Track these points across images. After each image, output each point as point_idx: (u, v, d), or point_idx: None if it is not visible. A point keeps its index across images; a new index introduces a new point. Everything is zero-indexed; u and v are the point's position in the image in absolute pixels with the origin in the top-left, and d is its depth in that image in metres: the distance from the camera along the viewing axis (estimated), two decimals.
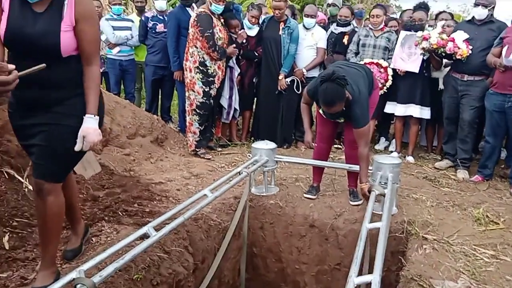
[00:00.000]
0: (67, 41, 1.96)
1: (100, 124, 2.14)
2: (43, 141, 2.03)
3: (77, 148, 2.02)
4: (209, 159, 4.63)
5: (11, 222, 2.70)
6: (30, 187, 2.95)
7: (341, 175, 4.07)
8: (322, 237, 3.49)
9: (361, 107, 3.07)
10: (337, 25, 5.29)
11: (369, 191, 3.13)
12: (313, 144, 3.64)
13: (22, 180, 2.97)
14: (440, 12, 5.45)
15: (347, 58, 4.92)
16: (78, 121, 2.02)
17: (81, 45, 2.00)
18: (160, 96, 5.86)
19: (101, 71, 5.82)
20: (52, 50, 1.94)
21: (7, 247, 2.49)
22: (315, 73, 4.95)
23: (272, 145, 3.73)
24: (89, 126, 2.02)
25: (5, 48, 1.98)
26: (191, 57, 4.48)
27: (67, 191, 2.24)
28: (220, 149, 5.03)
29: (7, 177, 2.93)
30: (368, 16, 5.59)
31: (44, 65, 1.68)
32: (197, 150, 4.69)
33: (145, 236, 2.22)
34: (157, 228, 2.23)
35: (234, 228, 3.30)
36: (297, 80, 5.01)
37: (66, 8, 1.96)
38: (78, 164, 3.58)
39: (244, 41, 4.93)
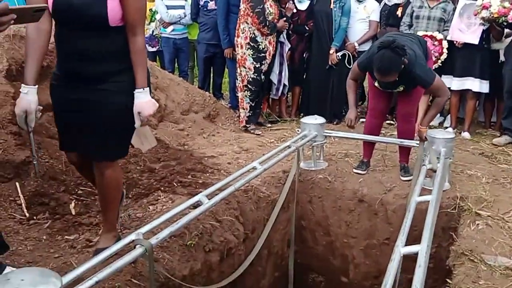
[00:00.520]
0: (114, 10, 1.90)
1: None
2: (94, 119, 2.00)
3: (136, 125, 2.02)
4: (259, 134, 4.71)
5: (76, 190, 2.93)
6: None
7: (392, 150, 4.01)
8: (371, 211, 3.49)
9: (422, 67, 3.02)
10: None
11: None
12: (355, 123, 3.48)
13: None
14: None
15: (400, 31, 4.76)
16: (127, 97, 2.00)
17: (126, 14, 1.93)
18: (212, 74, 5.97)
19: (155, 49, 6.10)
20: (99, 19, 1.89)
21: (73, 213, 2.71)
22: (367, 47, 4.83)
23: (321, 119, 3.73)
24: (142, 100, 2.00)
25: (53, 20, 1.96)
26: (242, 33, 4.53)
27: (111, 184, 2.18)
28: (269, 125, 5.09)
29: None
30: None
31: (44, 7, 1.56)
32: (248, 125, 4.78)
33: (198, 204, 2.33)
34: (209, 197, 2.34)
35: (283, 200, 3.38)
36: (348, 54, 4.94)
37: None
38: (135, 138, 3.81)
39: (294, 14, 4.90)
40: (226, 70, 5.80)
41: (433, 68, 4.56)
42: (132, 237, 1.88)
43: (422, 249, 1.82)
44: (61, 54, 2.02)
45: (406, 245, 1.93)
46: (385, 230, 3.49)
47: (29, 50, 1.92)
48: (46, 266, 2.13)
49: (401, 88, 3.23)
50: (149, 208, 2.82)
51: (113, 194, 2.22)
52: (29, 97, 1.90)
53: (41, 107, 1.97)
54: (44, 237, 2.45)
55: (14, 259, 2.20)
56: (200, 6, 5.48)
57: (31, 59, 1.91)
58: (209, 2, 5.42)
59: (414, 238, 2.34)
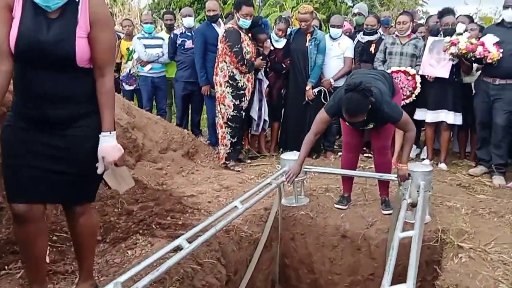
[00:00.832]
0: (82, 49, 1.80)
1: None
2: (64, 167, 1.89)
3: (99, 171, 1.91)
4: (239, 171, 4.69)
5: (51, 236, 2.81)
6: None
7: (372, 184, 4.04)
8: (355, 247, 3.46)
9: (388, 104, 3.07)
10: (363, 34, 5.29)
11: (408, 176, 3.18)
12: (293, 180, 3.36)
13: None
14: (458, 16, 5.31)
15: (374, 67, 4.90)
16: (97, 142, 1.92)
17: (94, 54, 1.84)
18: (190, 111, 5.97)
19: (132, 88, 6.08)
20: (66, 58, 1.78)
21: (47, 261, 2.58)
22: (342, 82, 4.95)
23: None
24: (107, 144, 1.90)
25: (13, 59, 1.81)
26: (221, 71, 4.58)
27: (86, 231, 2.11)
28: (249, 161, 5.08)
29: None
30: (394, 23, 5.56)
31: None
32: (227, 162, 4.75)
33: (178, 248, 2.27)
34: (190, 240, 2.27)
35: (265, 239, 3.33)
36: (324, 90, 5.03)
37: (80, 12, 1.80)
38: (112, 179, 3.74)
39: (271, 52, 5.00)
40: (204, 107, 5.82)
41: (408, 102, 4.71)
42: (110, 287, 1.80)
43: None
44: (22, 96, 1.84)
45: (391, 283, 1.91)
46: (369, 266, 3.46)
47: None
48: None
49: (371, 126, 3.28)
50: (127, 253, 2.73)
51: (89, 242, 2.15)
52: None
53: None
54: None
55: None
56: (177, 45, 5.53)
57: None
58: (186, 41, 5.48)
59: (398, 273, 2.31)
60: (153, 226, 3.06)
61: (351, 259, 3.51)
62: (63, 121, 1.86)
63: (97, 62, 1.86)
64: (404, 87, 4.68)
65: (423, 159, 5.01)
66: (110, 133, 1.91)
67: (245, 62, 4.49)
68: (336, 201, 3.72)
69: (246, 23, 4.50)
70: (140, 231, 2.98)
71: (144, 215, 3.21)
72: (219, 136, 4.78)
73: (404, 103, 4.69)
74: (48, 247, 2.69)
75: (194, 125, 5.99)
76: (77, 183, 1.94)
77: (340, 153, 4.85)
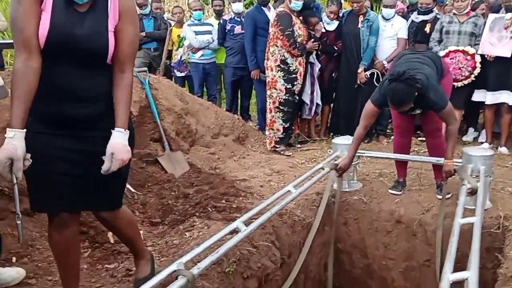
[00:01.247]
0: (112, 43, 1.71)
1: (132, 143, 1.81)
2: (88, 171, 1.76)
3: (104, 168, 1.70)
4: (289, 155, 4.70)
5: None
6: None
7: (427, 168, 3.92)
8: (410, 233, 3.40)
9: (434, 91, 2.95)
10: (418, 14, 5.09)
11: (454, 172, 3.08)
12: (344, 172, 3.39)
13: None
14: None
15: (430, 47, 4.71)
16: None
17: (118, 47, 1.72)
18: (239, 96, 6.03)
19: (183, 74, 6.22)
20: (99, 53, 1.69)
21: (112, 241, 2.74)
22: None
23: None
24: (118, 141, 1.72)
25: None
26: (272, 56, 4.59)
27: (123, 224, 2.02)
28: (299, 145, 5.07)
29: None
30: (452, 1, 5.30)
31: None
32: (277, 147, 4.78)
33: (235, 231, 2.33)
34: (246, 223, 2.33)
35: (318, 224, 3.33)
36: (377, 72, 4.91)
37: (110, 4, 1.70)
38: (168, 164, 3.86)
39: (323, 35, 4.94)
40: (253, 92, 5.85)
41: (466, 82, 4.51)
42: (173, 267, 1.88)
43: (472, 276, 1.75)
44: (44, 94, 1.67)
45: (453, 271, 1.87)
46: (425, 252, 3.39)
47: (17, 90, 1.59)
48: None
49: (418, 111, 3.17)
50: (185, 234, 2.83)
51: (131, 231, 2.10)
52: (16, 142, 1.56)
53: (29, 154, 1.61)
54: (85, 266, 2.47)
55: None
56: (226, 30, 5.56)
57: (18, 99, 1.59)
58: (235, 27, 5.50)
59: (457, 259, 2.26)
60: (209, 209, 3.15)
61: (405, 244, 3.46)
62: (86, 121, 1.75)
63: (119, 56, 1.74)
64: (463, 67, 4.47)
65: (482, 142, 4.80)
66: (125, 130, 1.75)
67: (297, 45, 4.48)
68: (390, 186, 3.65)
69: (297, 5, 4.48)
70: (197, 214, 3.08)
71: (199, 198, 3.31)
72: (268, 121, 4.79)
73: (463, 84, 4.51)
74: None
75: (244, 110, 6.04)
76: (102, 188, 1.81)
77: (393, 137, 4.76)
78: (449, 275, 1.78)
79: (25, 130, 1.60)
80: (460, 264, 2.14)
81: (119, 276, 2.38)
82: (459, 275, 1.80)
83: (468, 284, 1.74)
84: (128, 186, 3.20)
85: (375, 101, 3.13)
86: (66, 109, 1.70)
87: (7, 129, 1.59)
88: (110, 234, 2.80)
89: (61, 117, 1.71)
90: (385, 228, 3.51)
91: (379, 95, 3.08)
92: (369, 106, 3.19)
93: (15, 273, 2.28)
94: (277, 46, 4.54)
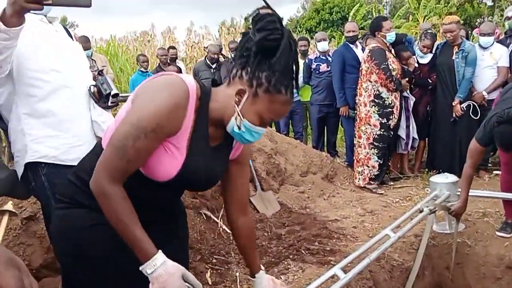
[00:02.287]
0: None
1: None
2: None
3: None
4: (381, 194, 4.55)
5: (211, 259, 3.06)
6: (225, 227, 3.32)
7: None
8: None
9: None
10: None
11: None
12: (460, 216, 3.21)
13: (217, 221, 3.35)
14: None
15: None
16: None
17: (242, 188, 1.61)
18: (325, 132, 6.02)
19: None
20: (214, 184, 1.55)
21: (210, 283, 2.82)
22: (496, 94, 4.52)
23: (453, 177, 3.47)
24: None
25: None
26: (365, 91, 4.60)
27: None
28: (391, 182, 4.90)
29: (205, 218, 3.35)
30: None
31: None
32: (372, 183, 4.67)
33: (332, 277, 2.28)
34: (344, 269, 2.27)
35: (418, 268, 3.15)
36: (473, 104, 4.65)
37: (235, 145, 1.51)
38: (260, 203, 3.93)
39: (416, 68, 4.87)
40: (340, 128, 5.81)
41: None
42: None
43: None
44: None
45: None
46: None
47: (125, 214, 1.25)
48: None
49: None
50: (280, 277, 2.82)
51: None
52: (169, 265, 1.25)
53: None
54: None
55: None
56: (312, 69, 5.65)
57: (135, 224, 1.26)
58: (321, 65, 5.57)
59: None
60: (302, 252, 3.13)
61: None
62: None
63: (243, 198, 1.63)
64: None
65: None
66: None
67: (393, 79, 4.46)
68: (497, 228, 3.37)
69: (391, 35, 4.52)
70: (291, 256, 3.07)
71: (292, 239, 3.30)
72: (363, 157, 4.72)
73: None
74: (209, 269, 2.95)
75: (330, 146, 6.01)
76: None
77: (495, 172, 4.43)
78: None
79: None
80: None
81: None
82: None
83: None
84: (224, 226, 3.30)
85: (480, 140, 2.94)
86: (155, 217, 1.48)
87: (148, 264, 1.23)
88: (208, 275, 2.89)
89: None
90: (493, 275, 3.22)
91: (484, 133, 2.89)
92: (474, 145, 3.00)
93: None
94: (371, 82, 4.56)
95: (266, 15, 1.25)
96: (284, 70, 1.26)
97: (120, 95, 2.26)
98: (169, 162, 1.31)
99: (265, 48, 1.25)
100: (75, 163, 1.53)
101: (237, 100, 1.30)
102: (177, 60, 7.53)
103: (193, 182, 1.40)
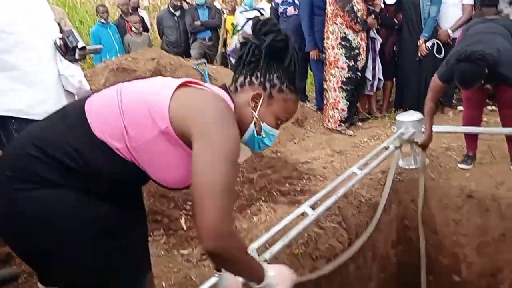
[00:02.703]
0: None
1: None
2: None
3: None
4: (350, 135, 4.65)
5: (184, 205, 3.12)
6: None
7: (499, 139, 3.74)
8: (482, 208, 3.29)
9: (507, 65, 2.75)
10: None
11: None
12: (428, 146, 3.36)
13: None
14: None
15: (500, 10, 4.40)
16: None
17: None
18: None
19: None
20: None
21: (184, 228, 2.90)
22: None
23: (418, 115, 3.57)
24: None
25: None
26: (332, 34, 4.57)
27: None
28: (360, 123, 5.00)
29: None
30: None
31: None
32: (342, 125, 4.76)
33: (302, 215, 2.38)
34: (313, 207, 2.37)
35: (384, 203, 3.30)
36: (437, 43, 4.70)
37: None
38: None
39: (382, 9, 4.85)
40: (310, 72, 5.80)
41: None
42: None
43: None
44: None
45: None
46: (500, 226, 3.27)
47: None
48: (168, 281, 2.31)
49: (489, 86, 2.98)
50: (253, 218, 2.92)
51: None
52: None
53: None
54: (162, 252, 2.64)
55: None
56: (279, 13, 5.54)
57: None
58: (288, 8, 5.45)
59: None
60: (274, 193, 3.22)
61: (478, 220, 3.35)
62: None
63: None
64: None
65: None
66: None
67: (358, 20, 4.43)
68: (459, 160, 3.53)
69: None
70: (262, 198, 3.16)
71: (264, 182, 3.38)
72: (333, 101, 4.76)
73: None
74: (183, 216, 3.01)
75: (300, 91, 6.01)
76: None
77: (459, 108, 4.57)
78: None
79: None
80: None
81: (194, 260, 2.52)
82: None
83: None
84: None
85: (442, 76, 3.01)
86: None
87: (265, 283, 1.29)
88: (182, 221, 2.96)
89: None
90: (455, 204, 3.41)
91: (446, 71, 2.95)
92: (435, 81, 3.08)
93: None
94: (337, 24, 4.52)
95: (267, 20, 1.31)
96: (292, 69, 1.33)
97: (87, 48, 2.22)
98: (187, 172, 1.22)
99: (275, 50, 1.29)
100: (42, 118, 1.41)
101: (253, 106, 1.31)
102: (139, 9, 7.24)
103: None
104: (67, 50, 2.05)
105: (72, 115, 1.26)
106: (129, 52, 5.77)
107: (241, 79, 1.33)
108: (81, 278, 1.25)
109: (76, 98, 2.16)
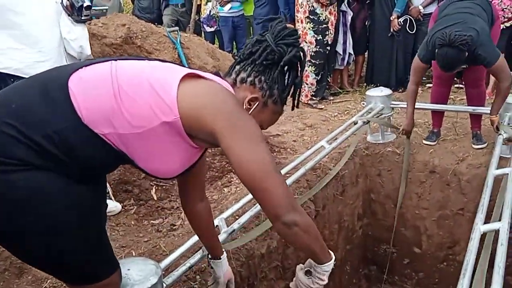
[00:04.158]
0: None
1: None
2: None
3: None
4: (321, 108, 4.71)
5: (154, 181, 3.13)
6: None
7: (463, 117, 3.87)
8: (444, 182, 3.43)
9: (484, 46, 2.82)
10: None
11: (497, 127, 3.04)
12: (410, 133, 3.42)
13: None
14: None
15: None
16: None
17: None
18: None
19: (213, 29, 6.20)
20: None
21: (155, 198, 2.92)
22: (433, 9, 4.62)
23: (387, 91, 3.66)
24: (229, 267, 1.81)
25: None
26: (301, 7, 4.53)
27: None
28: (331, 97, 5.06)
29: None
30: None
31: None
32: (313, 99, 4.79)
33: None
34: None
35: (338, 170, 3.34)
36: (410, 19, 4.75)
37: None
38: None
39: None
40: None
41: (508, 25, 4.31)
42: (216, 222, 2.01)
43: (503, 227, 1.80)
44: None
45: (485, 221, 1.92)
46: (459, 201, 3.42)
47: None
48: (138, 250, 2.34)
49: (465, 66, 3.06)
50: (224, 190, 2.97)
51: None
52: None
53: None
54: (132, 222, 2.67)
55: None
56: None
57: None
58: None
59: (490, 208, 2.29)
60: None
61: (439, 194, 3.49)
62: None
63: None
64: (506, 8, 4.27)
65: None
66: None
67: None
68: (424, 136, 3.64)
69: None
70: (233, 170, 3.19)
71: None
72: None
73: (504, 27, 4.31)
74: (154, 186, 3.03)
75: None
76: None
77: (428, 85, 4.67)
78: (480, 226, 1.83)
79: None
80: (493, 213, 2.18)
81: (164, 230, 2.56)
82: (491, 226, 1.84)
83: (500, 235, 1.79)
84: None
85: (423, 57, 3.04)
86: None
87: (330, 263, 1.37)
88: (153, 191, 2.98)
89: None
90: (418, 179, 3.54)
91: (426, 52, 2.98)
92: (416, 62, 3.11)
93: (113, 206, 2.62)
94: None
95: (294, 31, 1.30)
96: (292, 85, 1.32)
97: (93, 9, 2.24)
98: (181, 164, 1.26)
99: (291, 64, 1.29)
100: None
101: (247, 107, 1.28)
102: None
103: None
104: (73, 10, 2.07)
105: (54, 90, 1.14)
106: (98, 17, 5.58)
107: (243, 75, 1.29)
108: (64, 260, 1.20)
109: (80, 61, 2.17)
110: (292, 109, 1.41)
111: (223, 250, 1.72)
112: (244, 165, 1.15)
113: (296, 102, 1.39)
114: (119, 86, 1.14)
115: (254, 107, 1.28)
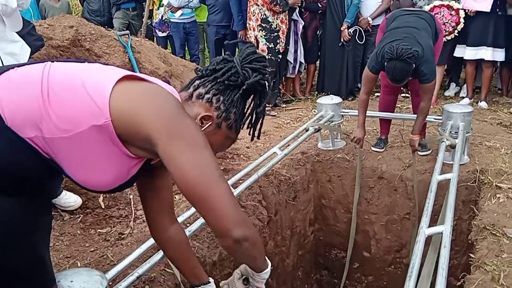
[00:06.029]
0: None
1: None
2: None
3: None
4: (274, 116, 4.75)
5: None
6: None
7: (409, 125, 4.01)
8: (391, 188, 3.55)
9: (428, 64, 2.98)
10: None
11: (419, 145, 3.28)
12: (362, 142, 3.48)
13: None
14: None
15: (414, 2, 4.69)
16: None
17: None
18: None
19: (165, 34, 6.11)
20: None
21: (103, 206, 2.81)
22: (380, 21, 4.80)
23: (338, 99, 3.75)
24: None
25: None
26: (253, 15, 4.54)
27: None
28: (284, 105, 5.11)
29: None
30: None
31: None
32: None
33: None
34: (234, 186, 2.40)
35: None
36: (359, 29, 4.91)
37: None
38: None
39: None
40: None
41: (449, 38, 4.54)
42: None
43: (446, 230, 1.87)
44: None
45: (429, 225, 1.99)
46: (406, 206, 3.55)
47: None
48: (83, 260, 2.24)
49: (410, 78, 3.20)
50: (175, 197, 2.91)
51: None
52: None
53: None
54: (78, 231, 2.55)
55: (53, 254, 2.29)
56: None
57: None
58: None
59: (435, 212, 2.38)
60: None
61: (387, 199, 3.61)
62: None
63: None
64: (447, 22, 4.50)
65: (463, 97, 4.91)
66: None
67: (278, 1, 4.43)
68: (373, 144, 3.75)
69: None
70: None
71: None
72: None
73: (446, 40, 4.54)
74: (102, 194, 2.92)
75: None
76: None
77: (376, 94, 4.83)
78: (425, 230, 1.89)
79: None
80: (438, 216, 2.26)
81: (112, 240, 2.46)
82: (435, 229, 1.91)
83: (443, 238, 1.86)
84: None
85: (372, 68, 3.14)
86: None
87: (267, 270, 1.39)
88: (100, 199, 2.87)
89: None
90: (367, 184, 3.64)
91: (376, 63, 3.08)
92: (366, 73, 3.22)
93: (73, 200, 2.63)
94: (258, 5, 4.50)
95: (263, 57, 1.26)
96: (250, 114, 1.27)
97: None
98: (115, 176, 1.14)
99: (253, 90, 1.23)
100: None
101: (200, 124, 1.19)
102: None
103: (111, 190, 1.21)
104: None
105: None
106: (45, 18, 5.36)
107: (202, 90, 1.21)
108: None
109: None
110: (251, 139, 1.33)
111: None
112: (184, 174, 1.04)
113: (257, 132, 1.31)
114: (49, 87, 1.05)
115: (206, 126, 1.20)
